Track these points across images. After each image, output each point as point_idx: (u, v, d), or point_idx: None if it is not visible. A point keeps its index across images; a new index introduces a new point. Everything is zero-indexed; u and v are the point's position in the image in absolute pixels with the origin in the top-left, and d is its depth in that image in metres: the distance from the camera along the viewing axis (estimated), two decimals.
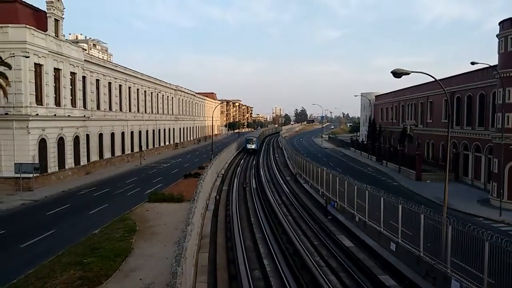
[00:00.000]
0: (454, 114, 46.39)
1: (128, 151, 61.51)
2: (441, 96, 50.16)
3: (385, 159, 60.20)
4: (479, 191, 38.56)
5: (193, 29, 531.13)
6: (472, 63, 30.33)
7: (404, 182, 44.38)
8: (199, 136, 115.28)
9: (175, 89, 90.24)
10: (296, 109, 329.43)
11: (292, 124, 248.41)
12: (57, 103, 40.69)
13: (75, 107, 44.19)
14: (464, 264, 13.78)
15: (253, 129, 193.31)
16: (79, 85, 45.08)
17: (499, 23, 32.72)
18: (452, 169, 43.77)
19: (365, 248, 19.95)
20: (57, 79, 40.65)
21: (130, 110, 63.35)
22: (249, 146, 75.84)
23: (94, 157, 50.30)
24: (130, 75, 63.36)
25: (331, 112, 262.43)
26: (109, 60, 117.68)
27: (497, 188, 31.48)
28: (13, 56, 33.90)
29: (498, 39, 32.66)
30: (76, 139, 44.00)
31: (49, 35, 38.87)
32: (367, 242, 20.40)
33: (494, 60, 33.84)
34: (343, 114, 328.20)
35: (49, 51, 38.68)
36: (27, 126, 35.71)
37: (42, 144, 37.87)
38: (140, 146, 64.51)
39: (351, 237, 21.99)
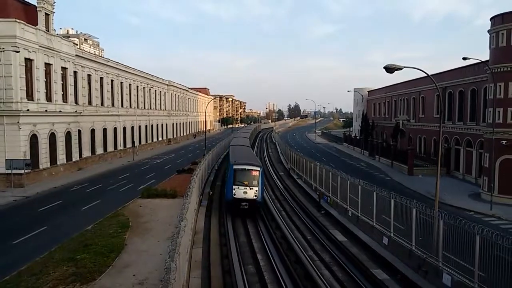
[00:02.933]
0: (446, 109, 46.75)
1: (120, 146, 61.18)
2: (433, 91, 50.51)
3: (377, 154, 60.53)
4: (470, 185, 38.97)
5: (186, 24, 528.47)
6: (464, 59, 30.48)
7: (396, 177, 44.69)
8: (193, 132, 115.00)
9: (167, 84, 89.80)
10: (290, 105, 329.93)
11: (285, 120, 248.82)
12: (48, 98, 40.30)
13: (67, 102, 43.79)
14: (456, 258, 13.92)
15: (246, 124, 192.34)
16: (70, 80, 44.64)
17: (491, 19, 32.92)
18: (443, 163, 44.22)
19: (358, 242, 20.09)
20: (48, 74, 40.22)
21: (122, 106, 62.93)
22: (238, 189, 24.92)
23: (86, 153, 49.96)
24: (122, 70, 62.86)
25: (324, 108, 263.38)
26: (100, 55, 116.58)
27: (488, 182, 31.84)
28: (3, 51, 33.48)
29: (490, 34, 32.87)
30: (68, 135, 43.65)
31: (39, 30, 38.38)
32: (360, 236, 20.55)
33: (485, 56, 34.13)
34: (336, 109, 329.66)
35: (40, 46, 38.22)
36: (18, 122, 35.33)
37: (34, 140, 37.52)
38: (133, 142, 64.15)
39: (344, 232, 22.13)
